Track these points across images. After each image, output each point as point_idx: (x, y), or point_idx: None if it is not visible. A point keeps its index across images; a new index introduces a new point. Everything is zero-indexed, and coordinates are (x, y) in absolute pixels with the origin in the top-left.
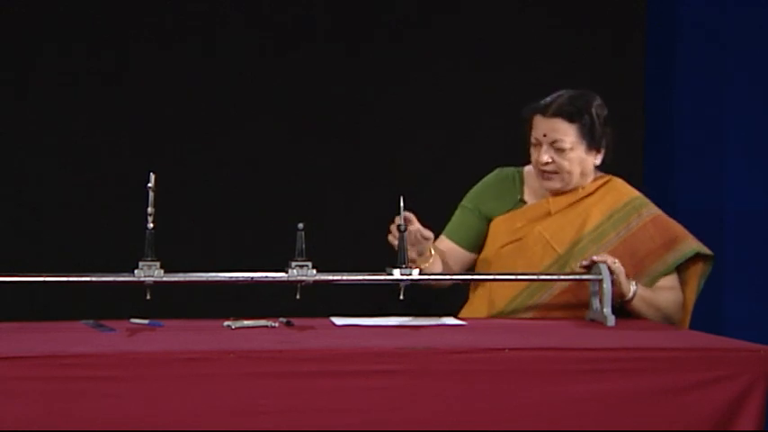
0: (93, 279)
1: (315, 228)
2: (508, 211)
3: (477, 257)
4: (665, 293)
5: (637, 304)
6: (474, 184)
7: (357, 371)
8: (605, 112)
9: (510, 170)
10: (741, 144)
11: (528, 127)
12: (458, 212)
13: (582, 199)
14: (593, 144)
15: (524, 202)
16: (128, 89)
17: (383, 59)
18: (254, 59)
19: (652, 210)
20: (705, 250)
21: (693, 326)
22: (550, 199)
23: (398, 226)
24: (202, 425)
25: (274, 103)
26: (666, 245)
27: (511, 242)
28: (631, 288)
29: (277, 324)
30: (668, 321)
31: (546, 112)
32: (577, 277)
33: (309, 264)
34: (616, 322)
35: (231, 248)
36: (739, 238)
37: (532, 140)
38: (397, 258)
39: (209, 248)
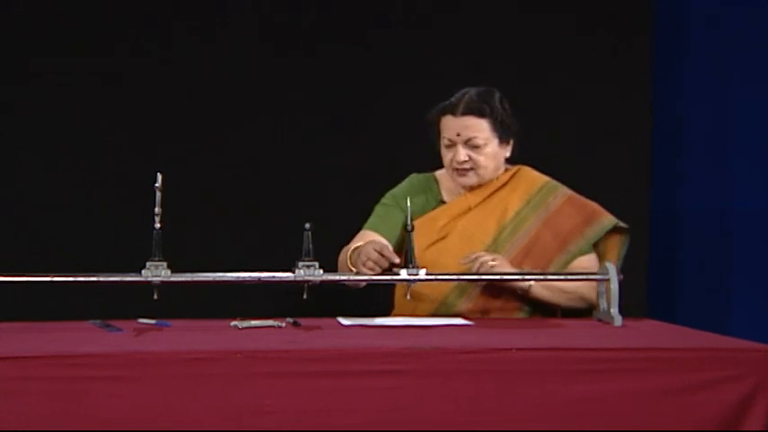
0: (101, 279)
1: (319, 228)
2: (430, 211)
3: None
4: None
5: (538, 292)
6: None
7: (364, 371)
8: (508, 104)
9: (424, 174)
10: (749, 144)
11: (435, 129)
12: (380, 209)
13: (497, 190)
14: (503, 137)
15: (444, 203)
16: (132, 88)
17: (385, 59)
18: (257, 59)
19: (565, 191)
20: (621, 224)
21: (700, 326)
22: (468, 194)
23: (405, 226)
24: (209, 425)
25: (276, 102)
26: (585, 221)
27: (435, 241)
28: (530, 282)
29: (284, 324)
30: (583, 302)
31: (456, 111)
32: (584, 277)
33: (316, 264)
34: (623, 322)
35: (236, 248)
36: (746, 238)
37: (445, 141)
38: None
39: (214, 248)
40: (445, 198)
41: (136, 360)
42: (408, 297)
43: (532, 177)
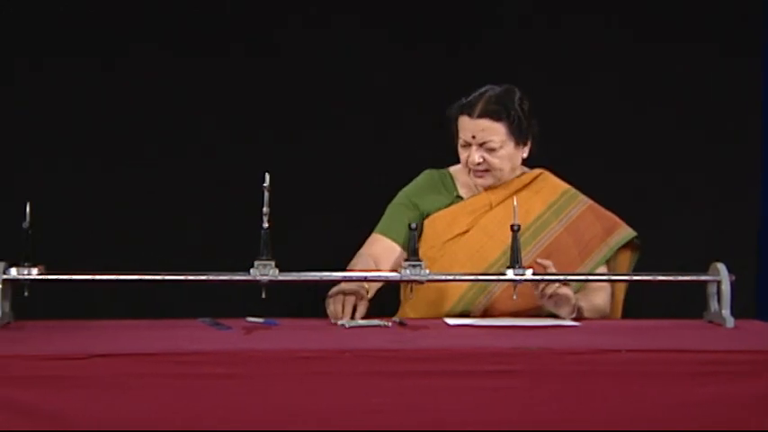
0: (210, 278)
1: None
2: (446, 206)
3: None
4: (599, 293)
5: (584, 314)
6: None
7: (472, 371)
8: (528, 105)
9: (439, 171)
10: None
11: (454, 127)
12: (392, 210)
13: (519, 191)
14: (520, 139)
15: (461, 198)
16: (232, 89)
17: (477, 59)
18: (346, 58)
19: (586, 199)
20: (635, 236)
21: None
22: (489, 192)
23: (512, 225)
24: (317, 423)
25: (374, 100)
26: (607, 230)
27: (455, 236)
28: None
29: (390, 324)
30: (602, 314)
31: (472, 113)
32: (695, 278)
33: (422, 263)
34: (735, 323)
35: (334, 247)
36: None
37: (461, 141)
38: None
39: (317, 247)
40: (462, 194)
41: (245, 358)
42: (515, 297)
43: (554, 183)
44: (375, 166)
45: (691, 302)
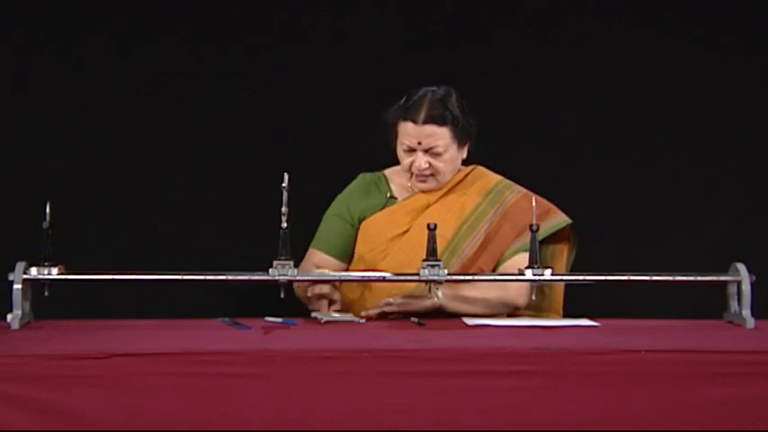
0: (229, 278)
1: None
2: (382, 208)
3: (347, 266)
4: (492, 288)
5: (450, 305)
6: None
7: (491, 371)
8: (467, 105)
9: (373, 174)
10: None
11: (394, 131)
12: (326, 222)
13: (454, 187)
14: (462, 141)
15: (394, 199)
16: (256, 89)
17: (478, 59)
18: (350, 58)
19: (521, 188)
20: (568, 222)
21: None
22: (426, 192)
23: (531, 226)
24: (335, 422)
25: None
26: (541, 216)
27: (395, 237)
28: (434, 300)
29: (364, 320)
30: (507, 308)
31: (417, 119)
32: (715, 278)
33: (440, 263)
34: (756, 324)
35: None
36: None
37: (404, 147)
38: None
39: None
40: (396, 195)
41: (265, 358)
42: (534, 297)
43: (488, 175)
44: (376, 166)
45: (710, 303)
